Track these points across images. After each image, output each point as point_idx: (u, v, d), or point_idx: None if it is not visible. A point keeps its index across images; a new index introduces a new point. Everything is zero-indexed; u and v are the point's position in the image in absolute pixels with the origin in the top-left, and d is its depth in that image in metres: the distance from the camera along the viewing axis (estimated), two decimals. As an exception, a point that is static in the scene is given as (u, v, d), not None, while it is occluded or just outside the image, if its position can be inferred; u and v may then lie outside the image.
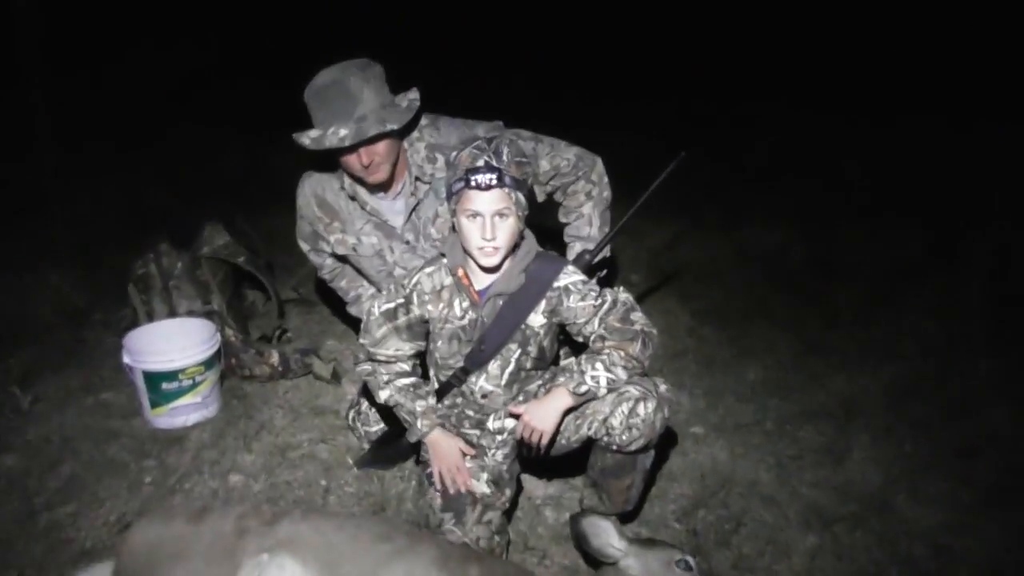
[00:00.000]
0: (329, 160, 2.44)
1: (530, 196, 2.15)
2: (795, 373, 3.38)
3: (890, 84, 7.29)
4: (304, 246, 2.80)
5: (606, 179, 2.67)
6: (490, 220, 1.98)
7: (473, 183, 1.96)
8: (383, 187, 2.48)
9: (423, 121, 2.51)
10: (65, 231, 4.05)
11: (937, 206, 4.91)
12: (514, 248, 2.10)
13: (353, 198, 2.55)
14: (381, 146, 2.31)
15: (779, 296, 4.13)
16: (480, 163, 1.96)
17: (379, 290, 2.68)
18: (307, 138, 2.31)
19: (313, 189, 2.62)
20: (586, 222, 2.66)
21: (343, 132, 2.25)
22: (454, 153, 2.04)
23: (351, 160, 2.34)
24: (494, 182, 1.95)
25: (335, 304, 3.91)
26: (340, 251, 2.68)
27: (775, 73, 7.95)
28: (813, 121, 6.68)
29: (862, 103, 7.04)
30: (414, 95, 2.38)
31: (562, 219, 2.73)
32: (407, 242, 2.58)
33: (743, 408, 3.10)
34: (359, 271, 2.76)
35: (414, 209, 2.53)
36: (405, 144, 2.47)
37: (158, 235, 3.42)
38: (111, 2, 7.11)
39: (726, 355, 3.53)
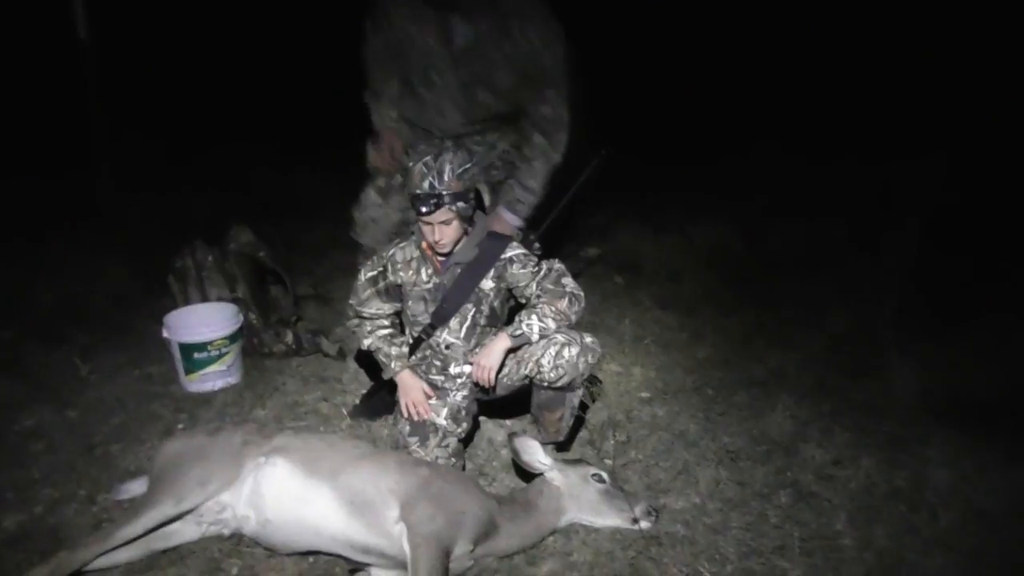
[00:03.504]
0: None
1: (476, 196, 2.68)
2: (738, 350, 3.85)
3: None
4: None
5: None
6: (437, 227, 2.55)
7: (418, 209, 2.51)
8: None
9: None
10: (120, 233, 4.74)
11: (857, 203, 5.38)
12: (467, 228, 2.65)
13: None
14: None
15: (727, 286, 4.64)
16: (425, 184, 2.49)
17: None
18: None
19: None
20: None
21: None
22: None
23: None
24: (433, 207, 2.50)
25: (344, 300, 4.49)
26: None
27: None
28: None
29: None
30: None
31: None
32: None
33: (688, 378, 3.57)
34: None
35: None
36: None
37: (195, 236, 4.04)
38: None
39: (681, 338, 4.02)
